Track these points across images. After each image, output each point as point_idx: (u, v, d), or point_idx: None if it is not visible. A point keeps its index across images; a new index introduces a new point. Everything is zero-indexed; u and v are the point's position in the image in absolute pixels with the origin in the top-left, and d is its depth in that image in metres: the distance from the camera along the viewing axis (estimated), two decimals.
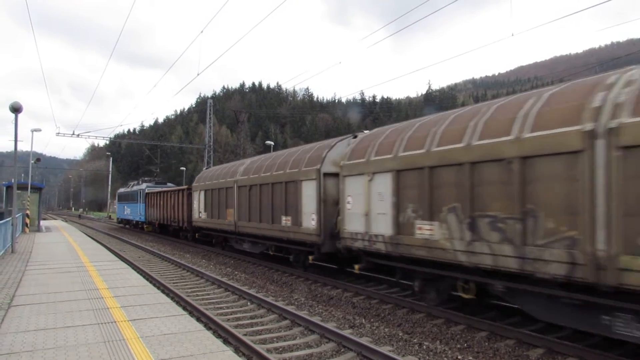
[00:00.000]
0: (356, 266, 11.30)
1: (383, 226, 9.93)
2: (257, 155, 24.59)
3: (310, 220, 12.92)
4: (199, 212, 22.64)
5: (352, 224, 11.02)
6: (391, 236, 9.66)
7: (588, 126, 6.14)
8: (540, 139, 6.73)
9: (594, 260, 6.00)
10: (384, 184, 9.88)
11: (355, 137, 12.69)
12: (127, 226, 43.06)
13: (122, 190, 46.56)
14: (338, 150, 12.78)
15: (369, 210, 10.41)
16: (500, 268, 7.33)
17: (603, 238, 5.92)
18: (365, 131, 12.94)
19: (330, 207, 12.52)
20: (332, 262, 14.35)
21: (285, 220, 14.22)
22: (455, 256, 8.09)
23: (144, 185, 37.03)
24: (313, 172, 12.79)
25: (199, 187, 22.82)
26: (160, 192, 31.77)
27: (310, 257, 13.20)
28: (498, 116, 7.77)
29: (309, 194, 13.03)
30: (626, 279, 5.70)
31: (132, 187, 41.62)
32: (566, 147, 6.36)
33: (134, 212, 38.84)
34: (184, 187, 27.65)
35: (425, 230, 8.80)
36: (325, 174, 12.61)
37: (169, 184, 40.23)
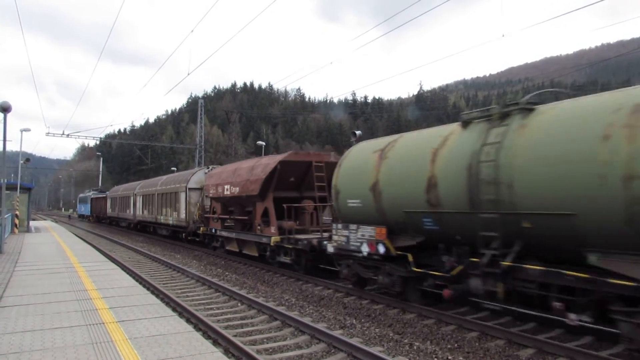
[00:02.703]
0: (138, 226, 33.79)
1: (142, 212, 31.45)
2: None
3: (133, 210, 34.37)
4: (110, 209, 43.53)
5: (139, 213, 32.26)
6: (143, 215, 31.17)
7: (183, 186, 24.28)
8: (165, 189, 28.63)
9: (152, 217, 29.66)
10: (143, 198, 31.14)
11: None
12: (82, 219, 64.18)
13: (80, 195, 69.37)
14: (147, 183, 33.50)
15: (140, 207, 31.80)
16: (151, 221, 30.22)
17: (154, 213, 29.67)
18: (174, 173, 37.71)
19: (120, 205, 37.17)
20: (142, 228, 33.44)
21: (128, 211, 35.60)
22: (148, 220, 30.39)
23: (91, 193, 58.77)
24: (131, 194, 33.80)
25: (109, 196, 44.22)
26: (96, 197, 53.08)
27: (131, 225, 35.41)
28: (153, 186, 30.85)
29: (133, 202, 33.69)
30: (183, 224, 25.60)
31: (86, 193, 63.61)
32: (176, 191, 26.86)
33: (85, 209, 60.77)
34: (105, 194, 47.03)
35: (145, 213, 31.24)
36: (136, 194, 32.77)
37: (106, 192, 55.06)
